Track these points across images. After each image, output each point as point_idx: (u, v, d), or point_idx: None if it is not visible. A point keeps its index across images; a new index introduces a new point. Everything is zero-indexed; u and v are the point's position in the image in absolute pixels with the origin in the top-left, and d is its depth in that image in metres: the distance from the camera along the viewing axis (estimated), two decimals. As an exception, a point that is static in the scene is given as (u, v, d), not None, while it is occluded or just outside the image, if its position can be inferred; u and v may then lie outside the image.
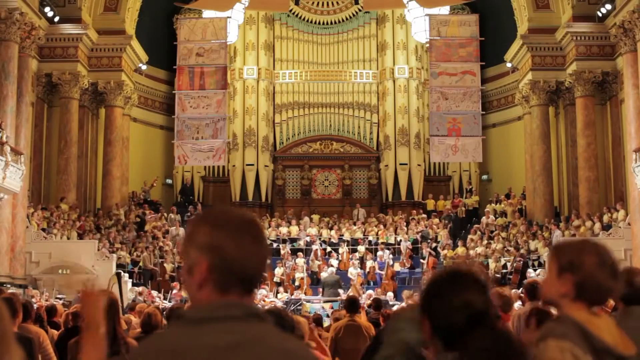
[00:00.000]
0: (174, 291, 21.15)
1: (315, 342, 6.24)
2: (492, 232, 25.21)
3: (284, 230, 26.55)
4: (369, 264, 24.12)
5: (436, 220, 27.17)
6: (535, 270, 21.73)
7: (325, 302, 19.70)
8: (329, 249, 25.35)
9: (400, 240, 25.43)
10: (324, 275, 22.38)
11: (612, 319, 2.41)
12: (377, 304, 8.96)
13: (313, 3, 31.02)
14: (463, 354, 2.03)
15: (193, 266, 1.85)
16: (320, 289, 21.94)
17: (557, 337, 2.18)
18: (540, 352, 2.18)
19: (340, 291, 20.63)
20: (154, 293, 20.65)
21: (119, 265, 22.03)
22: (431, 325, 2.12)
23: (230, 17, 26.30)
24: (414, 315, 2.23)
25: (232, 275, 1.85)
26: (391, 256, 24.43)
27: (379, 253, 24.46)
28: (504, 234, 25.02)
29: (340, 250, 25.05)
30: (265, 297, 20.23)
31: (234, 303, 1.84)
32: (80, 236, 23.04)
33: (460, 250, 24.57)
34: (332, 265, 23.25)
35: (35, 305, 12.43)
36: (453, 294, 2.09)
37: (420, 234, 25.95)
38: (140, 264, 23.16)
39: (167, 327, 3.06)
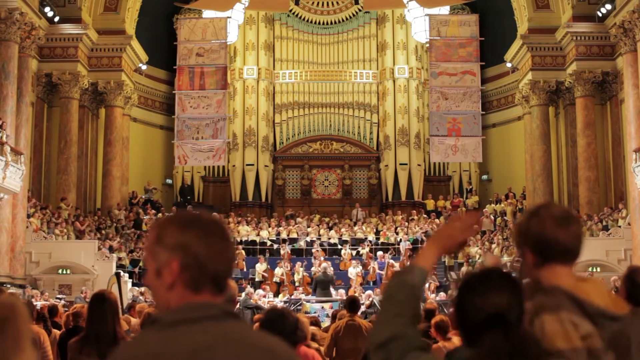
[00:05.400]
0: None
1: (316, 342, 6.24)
2: (492, 232, 25.20)
3: (283, 230, 26.51)
4: (370, 263, 24.06)
5: (437, 220, 27.13)
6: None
7: (316, 302, 19.45)
8: (329, 249, 25.28)
9: (400, 240, 25.41)
10: (317, 274, 21.90)
11: (599, 282, 2.37)
12: (378, 304, 8.94)
13: (313, 3, 31.01)
14: (476, 352, 2.02)
15: (162, 267, 1.82)
16: (313, 289, 21.64)
17: (551, 310, 2.15)
18: (537, 329, 2.14)
19: (333, 291, 20.50)
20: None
21: (118, 266, 22.00)
22: (457, 320, 2.11)
23: (230, 17, 26.31)
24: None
25: (203, 274, 1.83)
26: (390, 256, 24.36)
27: (379, 253, 24.41)
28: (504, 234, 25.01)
29: (342, 252, 24.99)
30: (263, 297, 20.20)
31: (209, 303, 1.81)
32: (79, 236, 22.99)
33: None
34: (326, 263, 22.82)
35: (39, 305, 12.47)
36: (478, 292, 2.05)
37: (425, 233, 25.90)
38: (141, 264, 23.13)
39: (141, 332, 2.97)
